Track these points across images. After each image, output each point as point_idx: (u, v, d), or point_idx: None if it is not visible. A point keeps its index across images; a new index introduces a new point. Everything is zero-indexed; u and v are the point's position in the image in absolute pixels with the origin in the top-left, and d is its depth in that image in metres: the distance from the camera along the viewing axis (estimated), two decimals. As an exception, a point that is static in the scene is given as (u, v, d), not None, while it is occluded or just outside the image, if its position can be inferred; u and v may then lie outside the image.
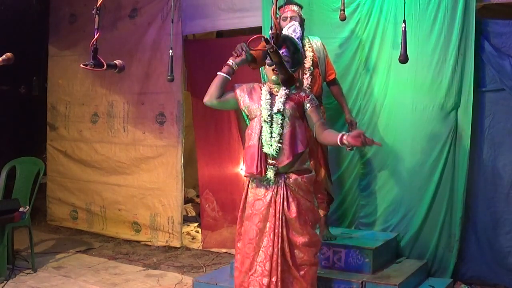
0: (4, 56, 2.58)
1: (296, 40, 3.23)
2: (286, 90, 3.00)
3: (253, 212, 2.99)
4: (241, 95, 3.06)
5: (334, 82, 4.08)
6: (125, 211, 5.83)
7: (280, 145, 2.90)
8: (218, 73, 3.02)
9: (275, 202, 2.93)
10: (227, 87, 3.09)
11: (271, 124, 2.93)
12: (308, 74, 3.79)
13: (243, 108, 3.07)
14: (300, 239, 2.94)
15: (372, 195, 4.36)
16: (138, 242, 5.65)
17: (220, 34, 6.03)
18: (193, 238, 5.76)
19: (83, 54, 5.72)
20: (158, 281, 4.37)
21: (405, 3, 3.40)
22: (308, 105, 3.02)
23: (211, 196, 5.44)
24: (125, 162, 5.83)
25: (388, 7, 4.22)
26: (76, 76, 6.21)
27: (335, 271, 3.73)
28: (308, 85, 3.78)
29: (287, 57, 2.98)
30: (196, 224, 6.16)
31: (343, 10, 3.53)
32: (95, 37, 2.35)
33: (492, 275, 3.99)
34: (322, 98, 3.97)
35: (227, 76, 3.01)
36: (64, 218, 6.36)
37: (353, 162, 4.42)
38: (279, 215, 2.92)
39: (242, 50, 3.08)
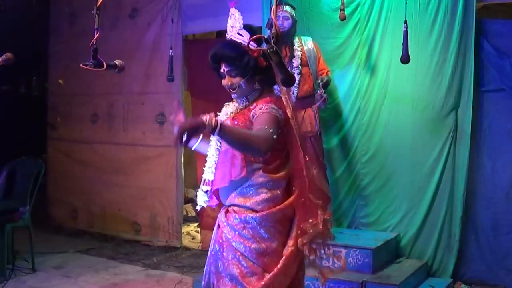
0: (4, 56, 2.58)
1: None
2: (237, 105, 2.31)
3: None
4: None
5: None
6: (125, 211, 5.83)
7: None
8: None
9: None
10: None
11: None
12: (296, 73, 3.86)
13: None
14: None
15: (372, 195, 4.36)
16: (138, 242, 5.64)
17: (220, 34, 6.03)
18: (193, 238, 5.75)
19: (83, 54, 5.69)
20: (158, 281, 4.37)
21: (406, 3, 3.39)
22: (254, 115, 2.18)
23: (211, 196, 5.43)
24: (125, 162, 5.83)
25: (388, 7, 4.22)
26: (76, 76, 6.21)
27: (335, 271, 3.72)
28: (296, 85, 3.84)
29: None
30: (196, 224, 6.15)
31: (343, 10, 3.56)
32: (95, 37, 2.35)
33: (492, 275, 3.99)
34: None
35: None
36: (64, 218, 6.36)
37: (353, 162, 4.42)
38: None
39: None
